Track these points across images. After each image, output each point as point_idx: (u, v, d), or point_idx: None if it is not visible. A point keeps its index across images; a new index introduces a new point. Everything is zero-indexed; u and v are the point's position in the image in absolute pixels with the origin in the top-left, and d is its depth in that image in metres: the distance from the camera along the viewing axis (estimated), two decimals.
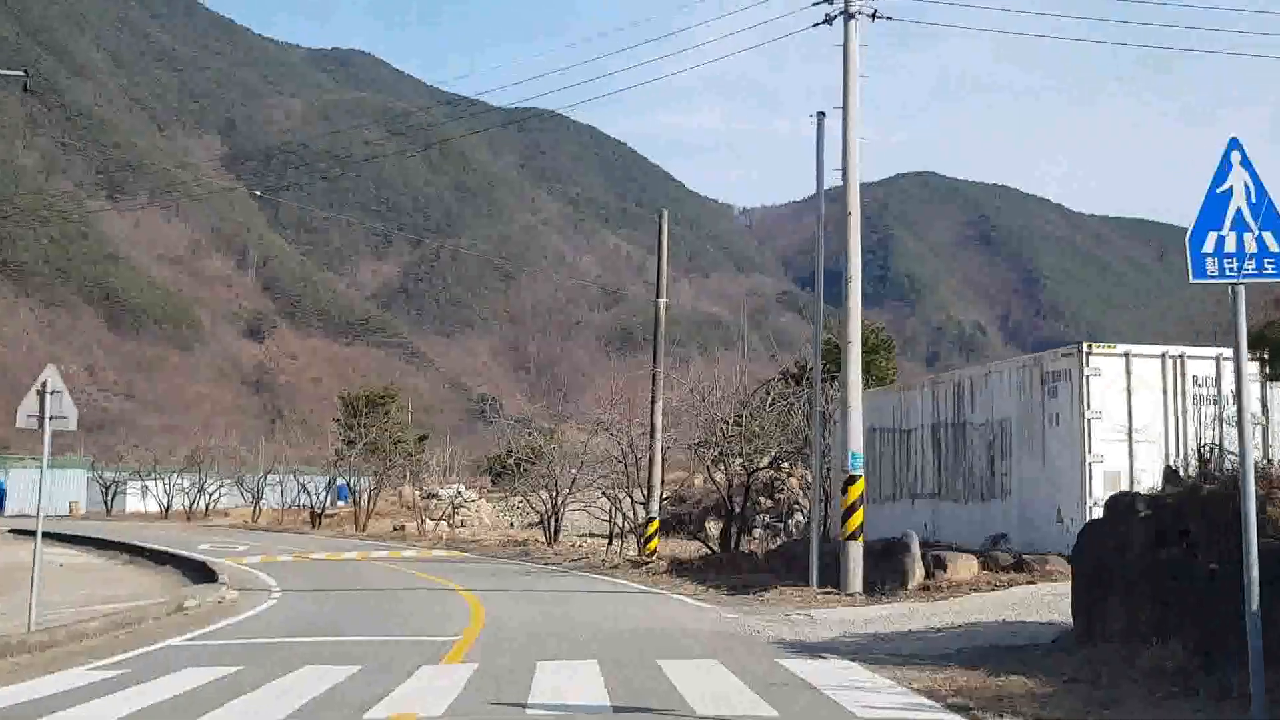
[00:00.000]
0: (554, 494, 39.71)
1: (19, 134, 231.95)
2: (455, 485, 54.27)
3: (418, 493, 54.14)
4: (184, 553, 35.62)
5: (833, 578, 21.53)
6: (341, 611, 20.75)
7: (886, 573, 20.58)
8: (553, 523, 39.61)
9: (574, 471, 37.40)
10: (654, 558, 31.12)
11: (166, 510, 68.66)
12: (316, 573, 31.16)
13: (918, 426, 25.67)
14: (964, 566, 20.20)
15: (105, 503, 74.10)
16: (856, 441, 21.57)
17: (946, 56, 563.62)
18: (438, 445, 66.80)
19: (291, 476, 58.98)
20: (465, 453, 72.60)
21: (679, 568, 27.49)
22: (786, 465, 46.40)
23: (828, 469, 30.67)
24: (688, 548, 36.44)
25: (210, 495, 67.72)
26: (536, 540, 40.92)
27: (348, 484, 53.23)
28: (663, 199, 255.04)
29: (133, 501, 75.15)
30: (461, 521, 53.54)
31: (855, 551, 20.99)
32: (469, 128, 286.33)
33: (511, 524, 53.92)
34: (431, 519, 48.65)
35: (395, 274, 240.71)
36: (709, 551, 30.03)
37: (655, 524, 32.27)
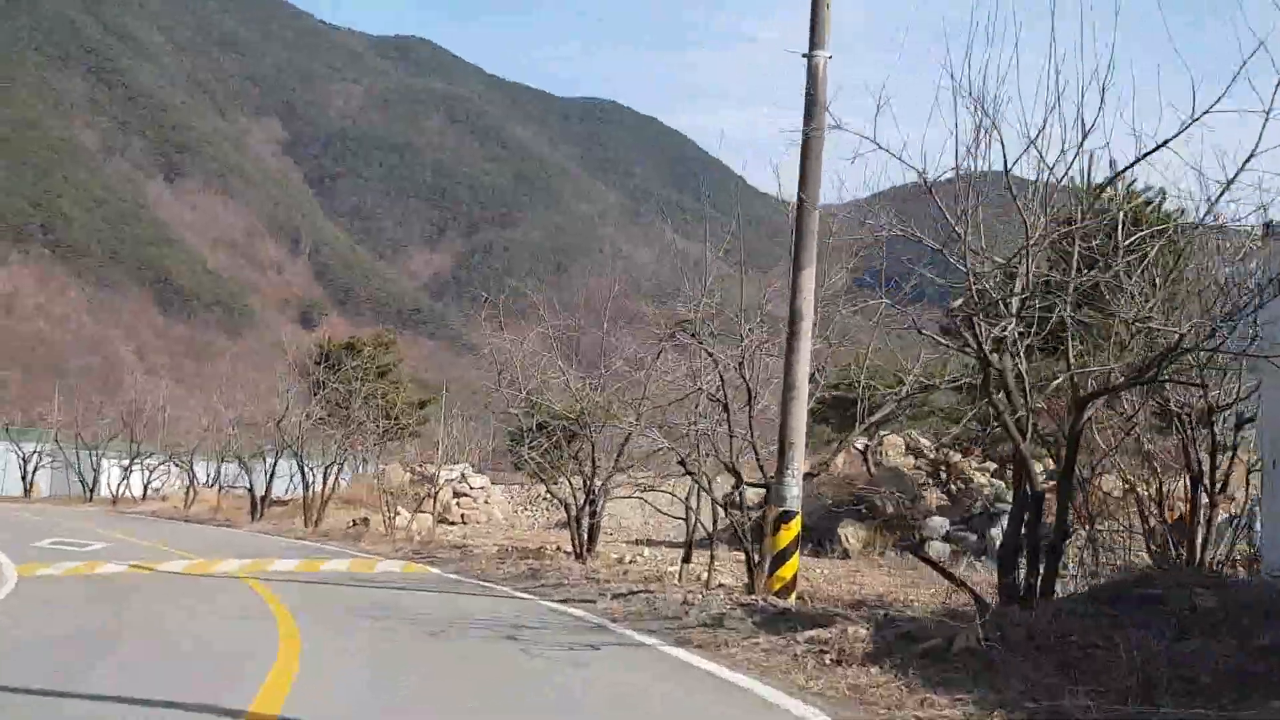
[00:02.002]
0: (589, 479, 21.85)
1: (79, 113, 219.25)
2: (458, 466, 35.96)
3: (407, 475, 36.41)
4: None
5: None
6: None
7: None
8: (586, 524, 21.66)
9: (633, 422, 19.13)
10: (798, 600, 13.46)
11: (91, 491, 51.14)
12: (79, 615, 13.95)
13: None
14: None
15: (25, 482, 56.85)
16: None
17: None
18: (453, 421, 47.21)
19: (230, 451, 41.07)
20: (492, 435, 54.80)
21: (902, 647, 9.47)
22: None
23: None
24: (833, 574, 18.90)
25: (151, 474, 49.99)
26: (560, 550, 23.14)
27: (298, 460, 35.24)
28: (721, 193, 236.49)
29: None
30: (462, 516, 35.92)
31: None
32: (529, 117, 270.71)
33: (533, 523, 36.37)
34: (408, 510, 30.93)
35: (448, 264, 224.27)
36: (972, 599, 11.26)
37: (795, 526, 14.41)
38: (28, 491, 55.14)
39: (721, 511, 18.30)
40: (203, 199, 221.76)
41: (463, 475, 37.11)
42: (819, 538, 25.42)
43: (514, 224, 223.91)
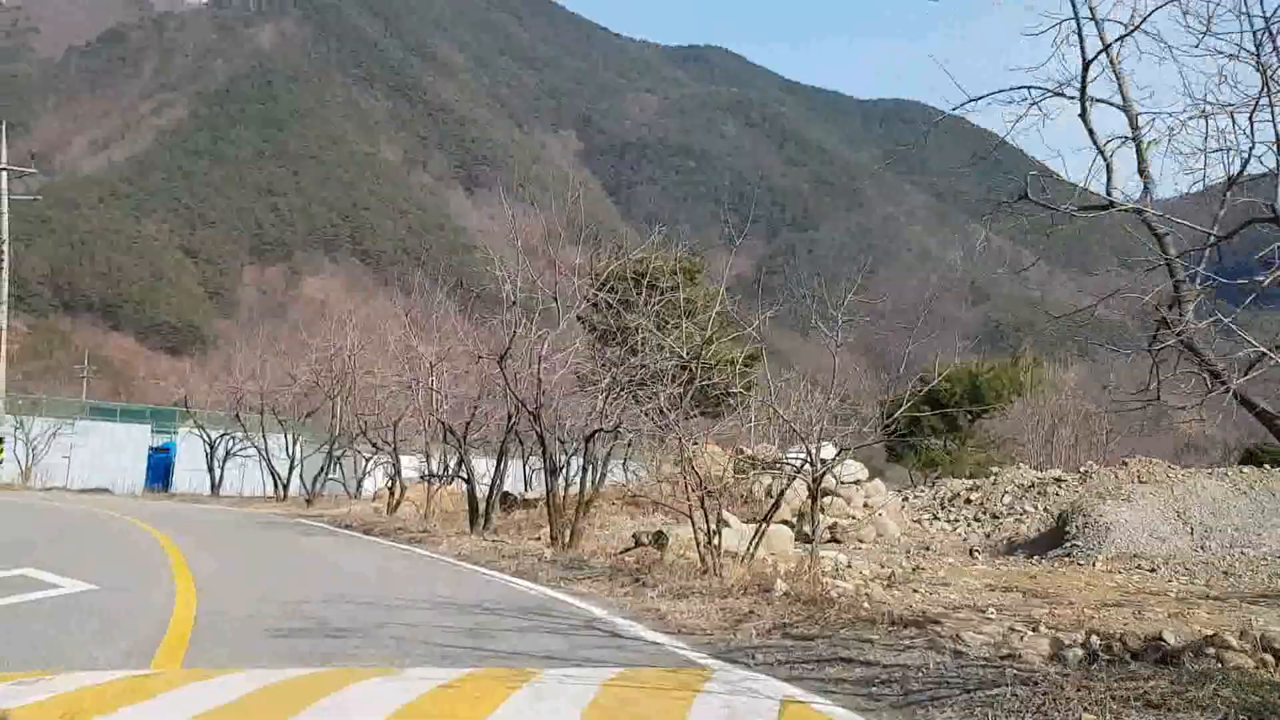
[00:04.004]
0: None
1: (383, 130, 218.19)
2: (825, 445, 18.48)
3: (729, 461, 20.93)
4: None
5: None
6: None
7: None
8: None
9: None
10: None
11: (285, 488, 37.42)
12: None
13: None
14: None
15: (212, 475, 43.13)
16: None
17: None
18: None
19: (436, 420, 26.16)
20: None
21: None
22: None
23: None
24: None
25: (368, 463, 35.91)
26: (1254, 643, 7.23)
27: (541, 438, 20.24)
28: (1032, 189, 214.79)
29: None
30: (831, 531, 20.38)
31: None
32: (827, 120, 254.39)
33: (972, 551, 20.35)
34: (740, 519, 15.24)
35: (748, 268, 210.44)
36: None
37: None
38: (215, 488, 41.98)
39: None
40: (501, 208, 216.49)
41: (821, 460, 21.03)
42: None
43: (815, 227, 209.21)
